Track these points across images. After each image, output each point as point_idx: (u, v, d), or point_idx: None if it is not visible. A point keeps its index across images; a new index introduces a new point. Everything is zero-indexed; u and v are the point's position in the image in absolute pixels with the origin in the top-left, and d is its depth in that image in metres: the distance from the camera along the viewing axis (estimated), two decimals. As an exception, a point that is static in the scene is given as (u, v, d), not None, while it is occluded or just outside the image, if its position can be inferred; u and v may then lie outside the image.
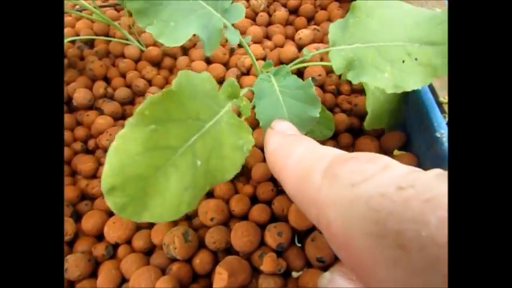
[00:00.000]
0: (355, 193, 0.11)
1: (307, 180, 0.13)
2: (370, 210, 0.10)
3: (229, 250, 0.26)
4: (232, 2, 0.23)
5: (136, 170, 0.15)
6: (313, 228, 0.26)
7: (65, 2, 0.41)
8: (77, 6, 0.46)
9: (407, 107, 0.31)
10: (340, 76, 0.36)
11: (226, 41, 0.41)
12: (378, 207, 0.10)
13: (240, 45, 0.42)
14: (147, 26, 0.20)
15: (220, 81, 0.38)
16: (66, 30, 0.45)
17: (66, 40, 0.39)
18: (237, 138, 0.19)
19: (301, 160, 0.15)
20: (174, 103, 0.16)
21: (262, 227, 0.26)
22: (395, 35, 0.23)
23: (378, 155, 0.12)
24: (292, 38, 0.44)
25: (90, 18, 0.44)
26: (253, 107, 0.22)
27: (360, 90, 0.36)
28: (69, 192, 0.30)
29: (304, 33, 0.40)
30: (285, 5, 0.47)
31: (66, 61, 0.42)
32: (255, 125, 0.24)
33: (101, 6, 0.46)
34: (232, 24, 0.24)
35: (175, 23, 0.20)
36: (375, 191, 0.10)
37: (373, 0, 0.23)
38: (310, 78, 0.22)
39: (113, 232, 0.26)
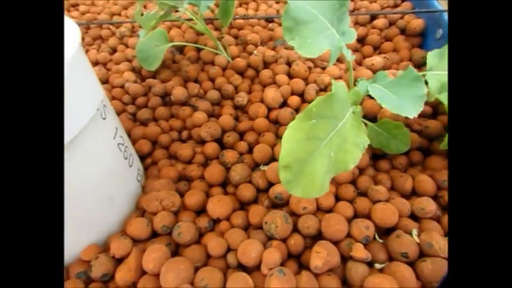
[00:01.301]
0: None
1: None
2: None
3: (315, 237, 0.30)
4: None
5: (300, 154, 0.20)
6: (395, 227, 0.29)
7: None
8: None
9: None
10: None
11: (306, 59, 0.46)
12: None
13: (315, 65, 0.47)
14: (290, 40, 0.25)
15: (301, 94, 0.42)
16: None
17: (168, 45, 0.46)
18: (356, 137, 0.23)
19: None
20: (327, 104, 0.21)
21: (346, 221, 0.29)
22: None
23: None
24: (359, 63, 0.49)
25: (191, 25, 0.50)
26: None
27: (428, 115, 0.40)
28: (171, 173, 0.35)
29: (377, 60, 0.45)
30: (353, 34, 0.53)
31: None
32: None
33: (190, 20, 0.53)
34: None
35: (311, 39, 0.25)
36: None
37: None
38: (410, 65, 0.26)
39: (218, 208, 0.30)
